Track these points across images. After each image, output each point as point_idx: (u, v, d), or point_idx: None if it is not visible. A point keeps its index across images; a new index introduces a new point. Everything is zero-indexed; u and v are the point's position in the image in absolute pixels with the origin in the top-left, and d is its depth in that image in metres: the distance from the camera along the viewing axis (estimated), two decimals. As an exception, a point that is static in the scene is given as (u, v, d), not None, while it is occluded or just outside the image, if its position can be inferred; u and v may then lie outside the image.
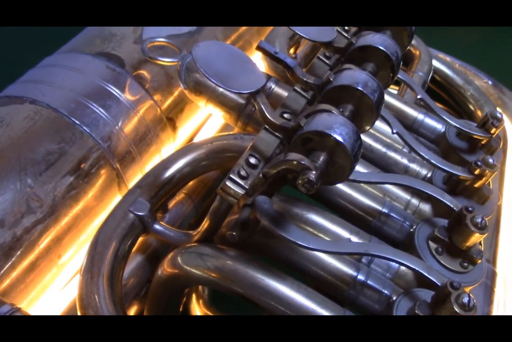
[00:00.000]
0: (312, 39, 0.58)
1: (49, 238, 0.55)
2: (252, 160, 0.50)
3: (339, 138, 0.46)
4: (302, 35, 0.57)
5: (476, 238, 0.55)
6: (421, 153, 0.63)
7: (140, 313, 0.59)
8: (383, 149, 0.68)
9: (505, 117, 0.89)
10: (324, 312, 0.50)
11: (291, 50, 0.81)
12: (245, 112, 0.64)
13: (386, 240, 0.59)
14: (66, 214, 0.57)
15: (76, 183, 0.58)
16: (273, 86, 0.66)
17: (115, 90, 0.64)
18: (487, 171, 0.63)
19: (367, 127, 0.54)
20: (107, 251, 0.52)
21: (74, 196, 0.57)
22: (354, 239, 0.57)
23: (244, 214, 0.49)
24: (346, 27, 0.65)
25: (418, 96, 0.70)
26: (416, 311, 0.49)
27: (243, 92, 0.49)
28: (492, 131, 0.70)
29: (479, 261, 0.56)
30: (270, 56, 0.53)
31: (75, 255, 0.58)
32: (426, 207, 0.64)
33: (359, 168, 0.63)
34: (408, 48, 0.67)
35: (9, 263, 0.52)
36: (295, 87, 0.57)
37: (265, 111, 0.50)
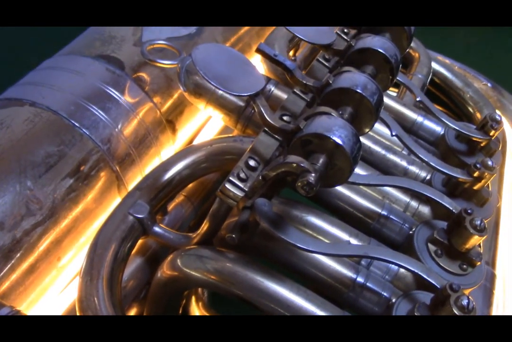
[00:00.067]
0: (311, 42, 0.58)
1: (49, 240, 0.55)
2: (252, 162, 0.50)
3: (339, 140, 0.46)
4: (302, 37, 0.57)
5: (475, 240, 0.55)
6: (420, 155, 0.63)
7: (140, 315, 0.59)
8: (383, 152, 0.68)
9: (504, 120, 0.89)
10: (323, 314, 0.50)
11: (291, 53, 0.81)
12: (244, 115, 0.64)
13: (385, 242, 0.59)
14: (66, 216, 0.57)
15: (75, 185, 0.58)
16: (272, 88, 0.66)
17: (114, 93, 0.64)
18: (486, 173, 0.64)
19: (366, 130, 0.54)
20: (107, 253, 0.52)
21: (74, 198, 0.57)
22: (354, 241, 0.57)
23: (244, 216, 0.49)
24: (345, 30, 0.65)
25: (417, 99, 0.70)
26: (416, 313, 0.50)
27: (243, 94, 0.49)
28: (491, 133, 0.70)
29: (478, 263, 0.57)
30: (270, 59, 0.54)
31: (75, 257, 0.58)
32: (425, 209, 0.64)
33: (358, 170, 0.63)
34: (407, 50, 0.67)
35: (9, 265, 0.52)
36: (295, 90, 0.57)
37: (264, 113, 0.50)
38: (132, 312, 0.60)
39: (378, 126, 0.71)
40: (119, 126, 0.63)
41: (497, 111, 0.94)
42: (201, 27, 0.74)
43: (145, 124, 0.66)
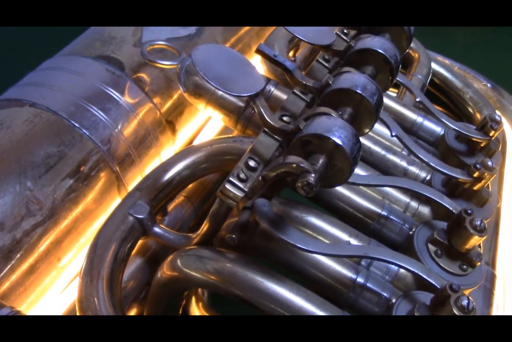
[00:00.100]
0: (311, 42, 0.58)
1: (49, 241, 0.55)
2: (252, 163, 0.50)
3: (338, 141, 0.46)
4: (301, 38, 0.57)
5: (475, 240, 0.55)
6: (420, 156, 0.63)
7: (140, 316, 0.59)
8: (382, 152, 0.68)
9: (504, 120, 0.89)
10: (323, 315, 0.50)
11: (290, 53, 0.81)
12: (244, 115, 0.64)
13: (385, 242, 0.59)
14: (66, 216, 0.57)
15: (75, 186, 0.58)
16: (272, 89, 0.66)
17: (114, 93, 0.64)
18: (486, 174, 0.64)
19: (366, 130, 0.54)
20: (107, 254, 0.52)
21: (74, 198, 0.57)
22: (354, 241, 0.57)
23: (244, 216, 0.49)
24: (345, 30, 0.65)
25: (417, 99, 0.70)
26: (416, 314, 0.50)
27: (243, 95, 0.49)
28: (491, 134, 0.70)
29: (478, 263, 0.57)
30: (270, 59, 0.54)
31: (75, 258, 0.58)
32: (425, 210, 0.64)
33: (358, 171, 0.63)
34: (407, 51, 0.67)
35: (9, 266, 0.52)
36: (294, 90, 0.57)
37: (264, 114, 0.50)
38: (132, 312, 0.60)
39: (378, 126, 0.71)
40: (119, 127, 0.63)
41: (497, 112, 0.94)
42: (201, 28, 0.75)
43: (145, 124, 0.66)
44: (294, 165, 0.45)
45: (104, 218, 0.57)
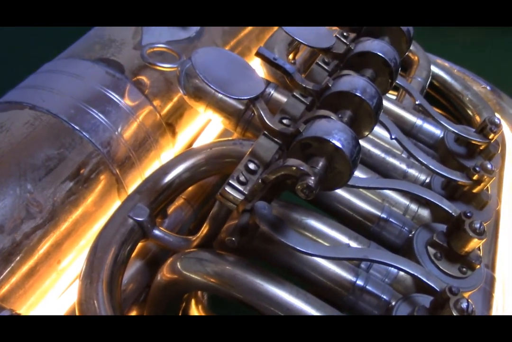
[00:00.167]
0: (311, 45, 0.59)
1: (49, 243, 0.55)
2: (251, 166, 0.50)
3: (338, 144, 0.46)
4: (301, 41, 0.57)
5: (474, 243, 0.55)
6: (419, 158, 0.63)
7: (139, 319, 0.59)
8: (382, 155, 0.68)
9: (503, 123, 0.89)
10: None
11: (290, 56, 0.81)
12: (244, 118, 0.64)
13: (385, 245, 0.59)
14: (66, 219, 0.57)
15: (75, 188, 0.58)
16: (272, 92, 0.66)
17: (114, 96, 0.64)
18: (485, 176, 0.64)
19: (366, 133, 0.55)
20: (107, 256, 0.52)
21: (74, 201, 0.57)
22: (353, 244, 0.57)
23: (243, 219, 0.49)
24: (344, 33, 0.65)
25: (417, 102, 0.71)
26: (415, 316, 0.50)
27: (242, 98, 0.49)
28: (491, 136, 0.70)
29: (478, 266, 0.57)
30: (269, 62, 0.54)
31: (75, 261, 0.58)
32: (424, 212, 0.64)
33: (358, 173, 0.63)
34: (406, 53, 0.67)
35: (9, 269, 0.52)
36: (294, 93, 0.57)
37: (264, 117, 0.50)
38: (132, 315, 0.60)
39: (377, 129, 0.71)
40: (119, 130, 0.63)
41: (496, 115, 0.95)
42: (201, 31, 0.75)
43: (145, 127, 0.66)
44: (294, 168, 0.45)
45: (104, 221, 0.57)
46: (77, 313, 0.49)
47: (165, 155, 0.69)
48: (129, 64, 0.67)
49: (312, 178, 0.44)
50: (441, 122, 0.69)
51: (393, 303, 0.53)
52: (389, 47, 0.59)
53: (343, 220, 0.61)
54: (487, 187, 0.67)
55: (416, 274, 0.51)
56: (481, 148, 0.71)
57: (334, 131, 0.47)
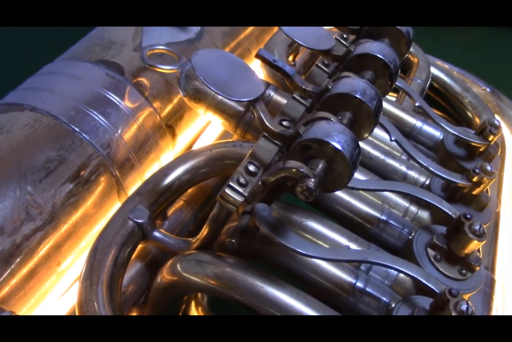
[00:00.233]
0: (310, 47, 0.59)
1: (49, 245, 0.55)
2: (251, 167, 0.50)
3: (338, 146, 0.46)
4: (301, 43, 0.57)
5: (474, 245, 0.55)
6: (419, 160, 0.64)
7: (139, 320, 0.59)
8: (382, 157, 0.68)
9: (503, 125, 0.89)
10: (323, 319, 0.50)
11: (290, 58, 0.81)
12: (244, 120, 0.65)
13: (384, 247, 0.59)
14: (66, 221, 0.57)
15: (75, 190, 0.58)
16: (272, 93, 0.66)
17: (114, 98, 0.64)
18: (485, 178, 0.64)
19: (366, 135, 0.55)
20: (107, 258, 0.52)
21: (74, 203, 0.58)
22: (353, 246, 0.57)
23: (243, 221, 0.49)
24: (344, 35, 0.66)
25: (416, 104, 0.71)
26: (415, 318, 0.50)
27: (242, 100, 0.50)
28: (490, 138, 0.70)
29: (478, 268, 0.57)
30: (269, 64, 0.54)
31: (75, 262, 0.58)
32: (424, 214, 0.64)
33: (357, 175, 0.63)
34: (406, 55, 0.67)
35: (8, 270, 0.52)
36: (294, 95, 0.57)
37: (264, 119, 0.50)
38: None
39: (377, 131, 0.71)
40: (119, 131, 0.63)
41: (496, 116, 0.95)
42: (200, 32, 0.75)
43: (145, 129, 0.66)
44: (294, 170, 0.45)
45: (104, 222, 0.58)
46: (77, 315, 0.49)
47: (165, 157, 0.69)
48: (129, 66, 0.67)
49: (312, 179, 0.44)
50: (441, 124, 0.69)
51: (393, 305, 0.53)
52: (389, 49, 0.59)
53: (343, 222, 0.61)
54: (487, 189, 0.67)
55: (416, 276, 0.51)
56: (480, 150, 0.71)
57: (334, 133, 0.47)
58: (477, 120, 0.94)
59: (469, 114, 0.96)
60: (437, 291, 0.51)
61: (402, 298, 0.54)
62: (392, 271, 0.56)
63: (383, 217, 0.61)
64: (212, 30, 0.76)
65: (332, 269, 0.54)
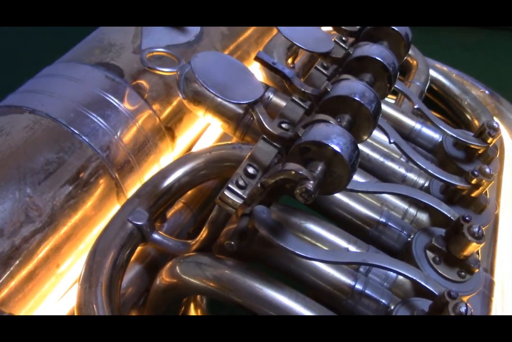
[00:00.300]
0: (309, 50, 0.59)
1: (48, 247, 0.55)
2: (251, 170, 0.50)
3: (337, 148, 0.46)
4: (300, 45, 0.57)
5: (473, 247, 0.55)
6: (418, 163, 0.64)
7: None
8: (381, 159, 0.68)
9: (501, 127, 0.90)
10: (322, 322, 0.50)
11: (289, 60, 0.81)
12: (243, 122, 0.65)
13: (383, 249, 0.60)
14: (65, 223, 0.57)
15: (75, 192, 0.58)
16: (271, 96, 0.67)
17: (114, 100, 0.64)
18: (484, 181, 0.64)
19: (365, 137, 0.55)
20: (106, 260, 0.52)
21: (73, 205, 0.58)
22: (352, 248, 0.57)
23: (242, 223, 0.49)
24: (343, 38, 0.66)
25: (415, 106, 0.71)
26: (414, 321, 0.50)
27: (242, 102, 0.50)
28: (489, 141, 0.70)
29: (477, 270, 0.57)
30: (268, 67, 0.54)
31: (74, 264, 0.58)
32: (423, 216, 0.64)
33: (356, 178, 0.63)
34: (405, 58, 0.67)
35: (8, 273, 0.52)
36: (293, 97, 0.57)
37: (263, 121, 0.51)
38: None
39: (376, 133, 0.71)
40: (118, 134, 0.63)
41: (495, 119, 0.95)
42: (200, 35, 0.75)
43: (144, 131, 0.66)
44: (293, 172, 0.45)
45: (103, 225, 0.58)
46: (76, 317, 0.49)
47: (164, 160, 0.69)
48: (128, 68, 0.67)
49: (311, 182, 0.44)
50: (440, 126, 0.69)
51: (392, 307, 0.53)
52: (388, 52, 0.59)
53: (342, 224, 0.61)
54: (486, 191, 0.67)
55: (415, 278, 0.51)
56: (479, 152, 0.72)
57: (333, 135, 0.47)
58: (476, 122, 0.94)
59: (468, 116, 0.97)
60: (436, 293, 0.51)
61: (401, 300, 0.54)
62: (391, 273, 0.56)
63: (382, 219, 0.61)
64: (211, 32, 0.77)
65: (331, 271, 0.54)
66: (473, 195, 0.65)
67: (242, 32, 0.82)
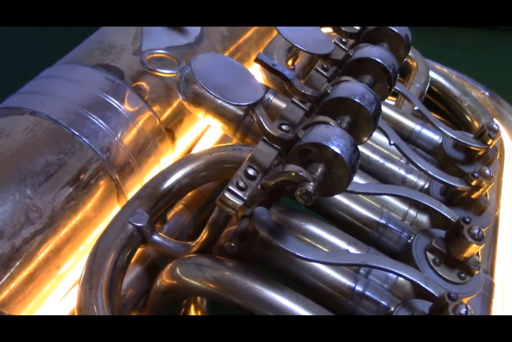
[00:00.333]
0: (310, 52, 0.59)
1: (48, 249, 0.55)
2: (251, 171, 0.50)
3: (337, 150, 0.46)
4: (300, 47, 0.57)
5: (473, 249, 0.55)
6: (418, 164, 0.64)
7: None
8: (381, 161, 0.68)
9: (501, 128, 0.90)
10: (322, 323, 0.50)
11: (289, 62, 0.81)
12: (243, 124, 0.65)
13: (384, 250, 0.60)
14: (65, 224, 0.57)
15: (75, 194, 0.58)
16: (271, 97, 0.67)
17: (114, 102, 0.64)
18: (484, 182, 0.64)
19: (365, 139, 0.55)
20: (106, 262, 0.52)
21: (73, 206, 0.58)
22: (352, 250, 0.57)
23: (243, 225, 0.49)
24: (343, 40, 0.66)
25: (415, 108, 0.71)
26: (414, 322, 0.50)
27: (242, 104, 0.50)
28: (489, 142, 0.70)
29: (477, 271, 0.57)
30: (268, 69, 0.54)
31: (74, 266, 0.58)
32: (423, 218, 0.64)
33: (357, 179, 0.63)
34: (405, 59, 0.67)
35: (8, 274, 0.52)
36: (293, 99, 0.57)
37: (263, 123, 0.51)
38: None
39: (376, 135, 0.71)
40: (119, 135, 0.63)
41: (495, 120, 0.95)
42: (200, 36, 0.75)
43: (145, 133, 0.66)
44: (293, 174, 0.45)
45: (103, 226, 0.58)
46: (76, 319, 0.49)
47: (165, 161, 0.69)
48: (128, 70, 0.67)
49: (311, 183, 0.44)
50: (440, 128, 0.69)
51: (392, 309, 0.53)
52: (388, 53, 0.59)
53: (342, 226, 0.61)
54: (486, 193, 0.67)
55: (415, 279, 0.51)
56: (479, 154, 0.72)
57: (333, 137, 0.47)
58: (476, 124, 0.94)
59: (468, 118, 0.97)
60: (436, 295, 0.51)
61: (401, 301, 0.54)
62: (391, 274, 0.56)
63: (382, 221, 0.61)
64: (211, 34, 0.77)
65: (332, 273, 0.54)
66: (473, 196, 0.65)
67: (242, 33, 0.82)
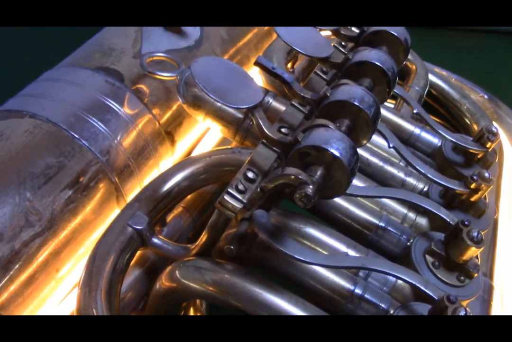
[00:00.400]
0: (309, 55, 0.59)
1: (48, 252, 0.55)
2: (250, 174, 0.50)
3: (336, 153, 0.46)
4: (299, 50, 0.57)
5: (472, 251, 0.55)
6: (417, 167, 0.64)
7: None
8: (380, 163, 0.68)
9: (500, 131, 0.90)
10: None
11: (289, 65, 0.81)
12: (243, 127, 0.65)
13: (383, 253, 0.60)
14: (65, 227, 0.57)
15: (74, 197, 0.58)
16: (270, 100, 0.67)
17: (114, 105, 0.64)
18: (483, 185, 0.64)
19: (364, 142, 0.55)
20: (106, 265, 0.52)
21: (73, 209, 0.58)
22: (351, 252, 0.57)
23: (242, 227, 0.49)
24: (343, 43, 0.66)
25: (415, 111, 0.71)
26: (413, 325, 0.50)
27: (241, 107, 0.50)
28: (488, 145, 0.71)
29: (476, 274, 0.57)
30: (268, 72, 0.54)
31: (73, 269, 0.58)
32: (422, 221, 0.64)
33: (356, 182, 0.63)
34: (404, 63, 0.67)
35: (7, 277, 0.52)
36: (293, 102, 0.57)
37: (262, 126, 0.51)
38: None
39: (375, 138, 0.71)
40: (118, 138, 0.63)
41: (494, 123, 0.95)
42: (200, 40, 0.75)
43: (144, 135, 0.66)
44: (292, 177, 0.45)
45: (103, 229, 0.58)
46: (75, 321, 0.49)
47: (164, 164, 0.69)
48: (128, 73, 0.68)
49: (311, 186, 0.44)
50: (439, 131, 0.69)
51: (392, 312, 0.53)
52: (387, 57, 0.59)
53: (341, 228, 0.61)
54: (485, 196, 0.67)
55: (414, 282, 0.51)
56: (478, 157, 0.72)
57: (332, 140, 0.47)
58: (475, 127, 0.94)
59: (467, 121, 0.97)
60: (436, 298, 0.51)
61: (401, 304, 0.54)
62: (390, 277, 0.56)
63: (382, 224, 0.61)
64: (211, 37, 0.77)
65: (331, 276, 0.54)
66: (472, 199, 0.65)
67: (241, 36, 0.82)
